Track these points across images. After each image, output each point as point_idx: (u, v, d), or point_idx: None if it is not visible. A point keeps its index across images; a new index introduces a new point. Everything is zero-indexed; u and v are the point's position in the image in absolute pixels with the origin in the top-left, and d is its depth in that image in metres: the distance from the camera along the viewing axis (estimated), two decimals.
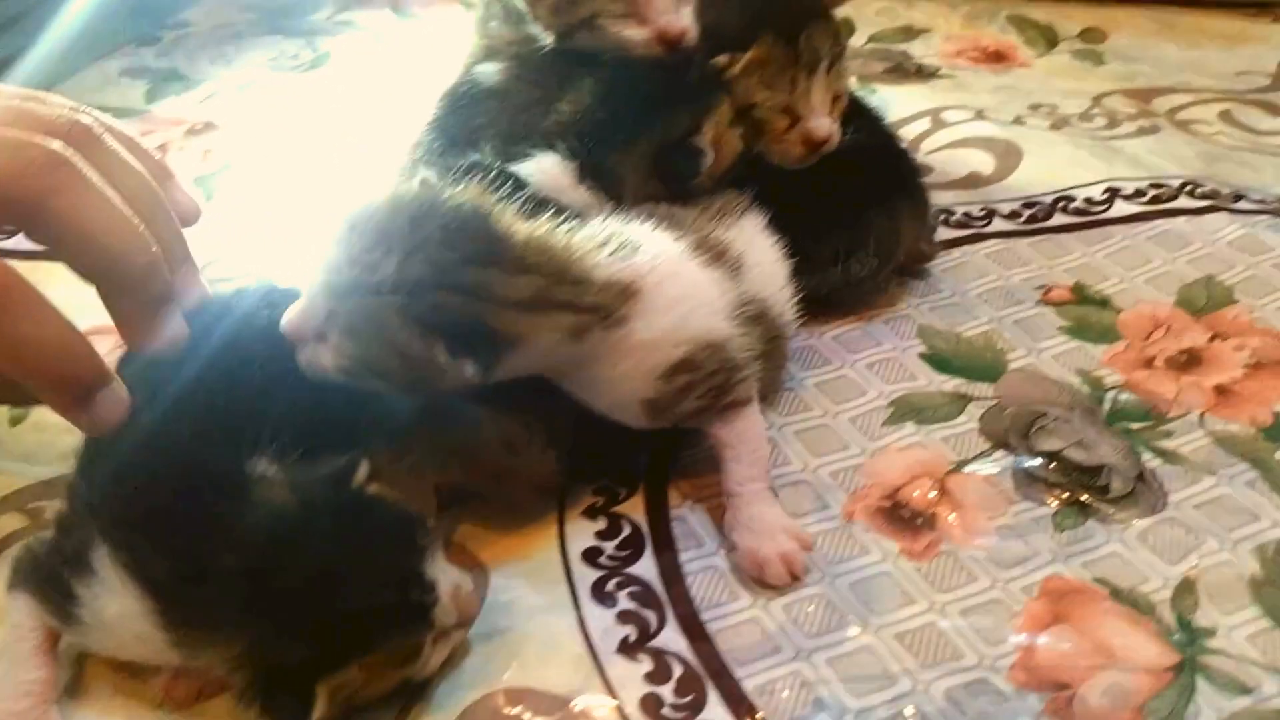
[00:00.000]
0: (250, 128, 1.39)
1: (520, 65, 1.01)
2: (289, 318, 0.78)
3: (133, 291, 0.74)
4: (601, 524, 0.86)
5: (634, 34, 0.93)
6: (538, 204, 0.86)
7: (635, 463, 0.90)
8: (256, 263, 1.11)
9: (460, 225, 0.77)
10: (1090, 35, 1.58)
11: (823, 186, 1.01)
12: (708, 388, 0.83)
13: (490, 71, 1.02)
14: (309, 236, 0.79)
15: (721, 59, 0.95)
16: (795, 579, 0.81)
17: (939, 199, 1.20)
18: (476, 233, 0.77)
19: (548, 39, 0.97)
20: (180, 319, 0.78)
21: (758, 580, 0.81)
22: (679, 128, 0.93)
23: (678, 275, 0.85)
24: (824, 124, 0.97)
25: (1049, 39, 1.57)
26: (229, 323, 0.83)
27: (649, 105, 0.94)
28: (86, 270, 0.73)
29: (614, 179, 0.93)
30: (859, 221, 1.01)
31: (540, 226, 0.81)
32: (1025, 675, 0.75)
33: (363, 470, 0.74)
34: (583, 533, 0.85)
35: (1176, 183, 1.24)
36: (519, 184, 0.92)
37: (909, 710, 0.73)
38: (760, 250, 0.95)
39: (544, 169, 0.93)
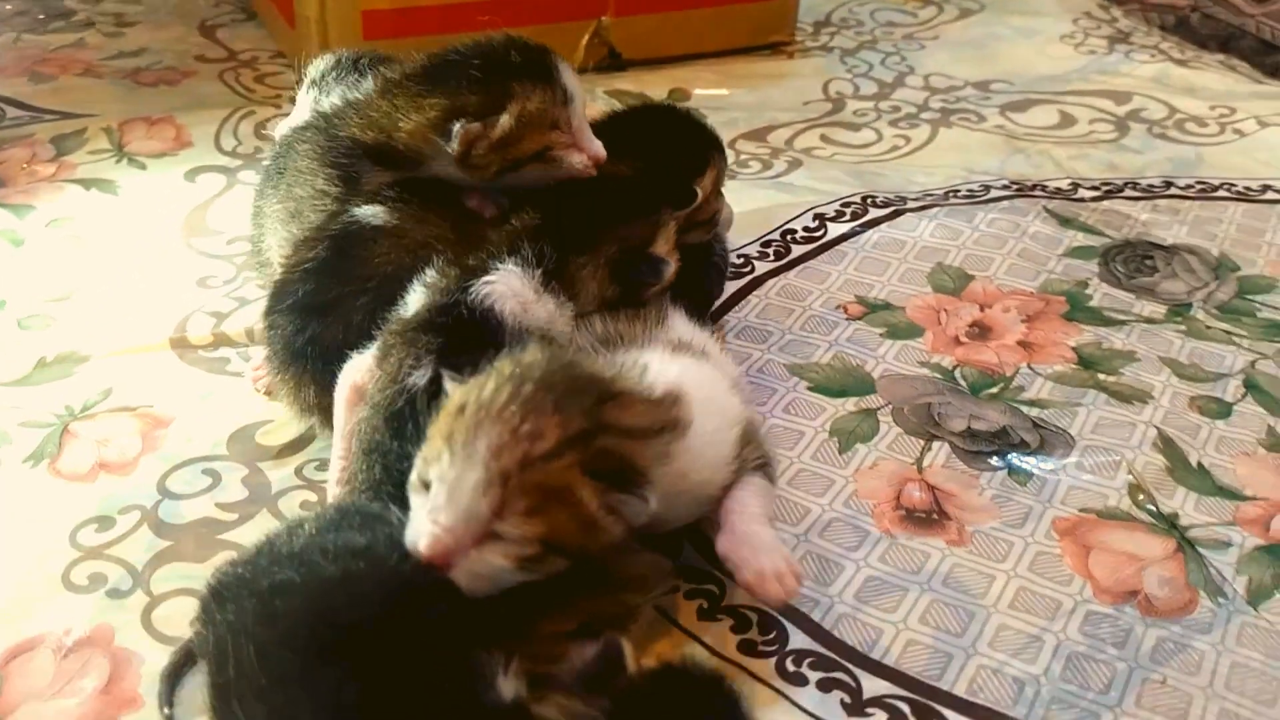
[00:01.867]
0: None
1: (405, 205, 1.03)
2: (436, 539, 0.74)
3: None
4: (727, 621, 0.91)
5: (577, 159, 1.01)
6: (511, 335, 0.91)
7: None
8: None
9: (574, 374, 0.79)
10: (677, 95, 1.81)
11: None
12: (757, 456, 0.91)
13: (375, 212, 1.03)
14: None
15: (697, 186, 1.06)
16: (791, 595, 0.83)
17: None
18: (587, 376, 0.80)
19: (479, 176, 1.00)
20: None
21: (754, 594, 0.83)
22: (637, 237, 0.99)
23: (694, 372, 0.92)
24: None
25: None
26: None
27: (609, 216, 1.00)
28: None
29: (573, 283, 0.98)
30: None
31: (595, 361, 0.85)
32: (1111, 595, 0.93)
33: (628, 651, 0.73)
34: (717, 634, 0.90)
35: (859, 198, 1.50)
36: (485, 316, 0.93)
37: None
38: (704, 337, 1.04)
39: (507, 280, 0.95)
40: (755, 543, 0.85)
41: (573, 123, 1.00)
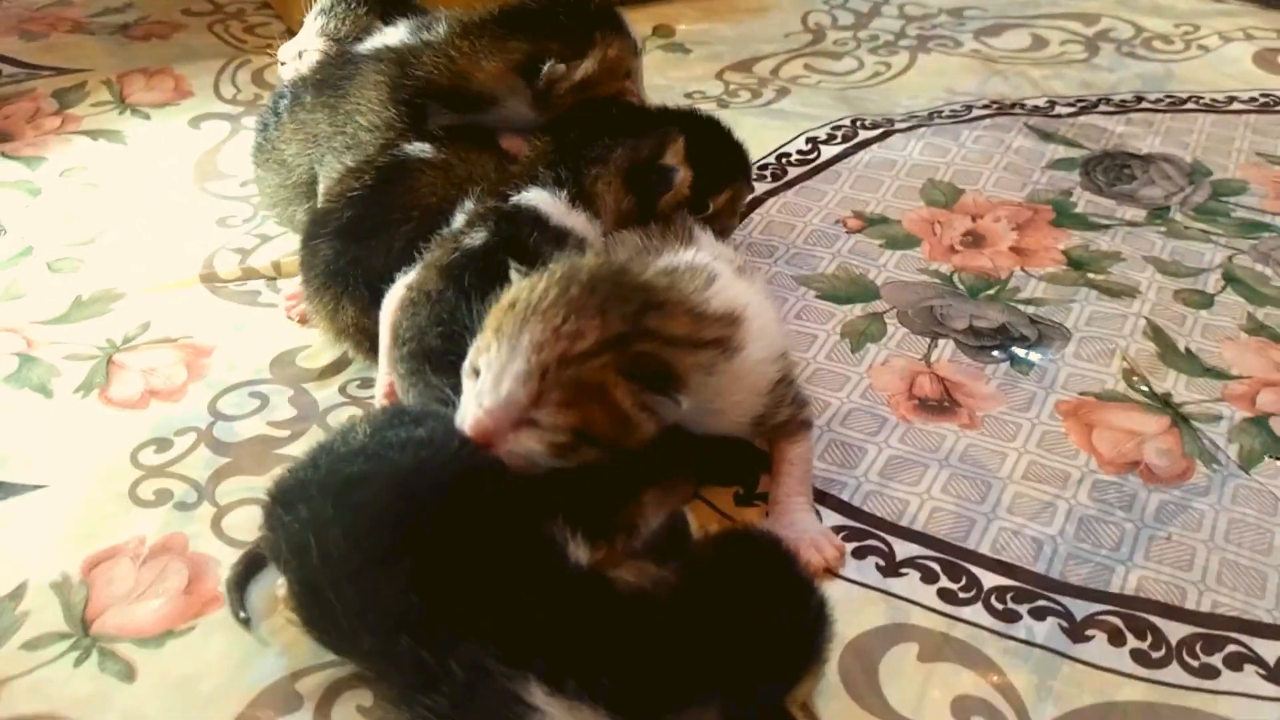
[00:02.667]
0: None
1: (451, 144, 1.09)
2: (478, 421, 0.81)
3: None
4: (762, 506, 0.97)
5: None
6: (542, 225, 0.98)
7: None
8: None
9: (620, 280, 0.84)
10: (662, 31, 1.85)
11: None
12: (793, 396, 0.96)
13: (423, 148, 1.09)
14: None
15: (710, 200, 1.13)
16: (832, 562, 0.91)
17: None
18: (633, 283, 0.85)
19: (552, 115, 1.08)
20: None
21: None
22: (646, 149, 1.06)
23: (755, 296, 0.96)
24: None
25: None
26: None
27: (618, 131, 1.06)
28: None
29: (593, 196, 1.04)
30: None
31: (647, 268, 0.90)
32: (1114, 466, 1.01)
33: (691, 520, 0.79)
34: (753, 517, 0.96)
35: (848, 121, 1.56)
36: (522, 214, 1.00)
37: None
38: (740, 258, 1.09)
39: (539, 198, 1.01)
40: (795, 528, 0.92)
41: (639, 76, 1.06)
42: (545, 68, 1.06)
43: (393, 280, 1.02)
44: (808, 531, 0.92)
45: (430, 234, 1.02)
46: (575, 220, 1.01)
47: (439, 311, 0.92)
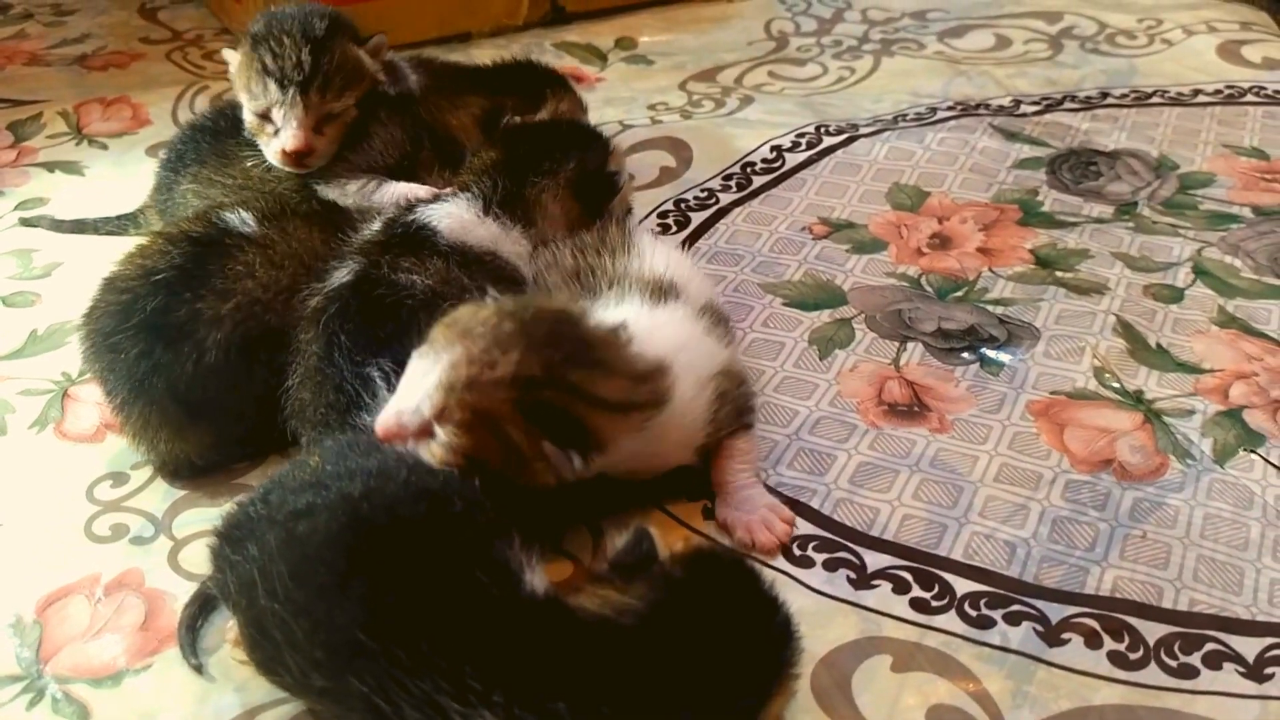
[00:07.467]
0: None
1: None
2: (385, 418, 0.81)
3: None
4: None
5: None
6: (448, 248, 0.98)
7: None
8: None
9: (561, 328, 0.84)
10: (624, 44, 1.84)
11: None
12: (736, 408, 0.95)
13: (247, 220, 1.05)
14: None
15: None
16: (783, 545, 0.92)
17: (656, 198, 1.40)
18: (575, 335, 0.84)
19: None
20: None
21: (749, 546, 0.91)
22: (596, 160, 1.08)
23: (678, 334, 0.94)
24: None
25: (599, 55, 1.81)
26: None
27: (566, 145, 1.09)
28: None
29: (529, 206, 1.06)
30: None
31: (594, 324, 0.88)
32: (1087, 465, 0.99)
33: (656, 539, 0.77)
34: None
35: (812, 128, 1.54)
36: (422, 230, 1.00)
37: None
38: (673, 258, 1.07)
39: (449, 212, 1.03)
40: (746, 506, 0.92)
41: None
42: (505, 120, 1.13)
43: (207, 391, 0.94)
44: (758, 509, 0.92)
45: (252, 330, 0.95)
46: (483, 231, 1.02)
47: (308, 365, 0.91)
